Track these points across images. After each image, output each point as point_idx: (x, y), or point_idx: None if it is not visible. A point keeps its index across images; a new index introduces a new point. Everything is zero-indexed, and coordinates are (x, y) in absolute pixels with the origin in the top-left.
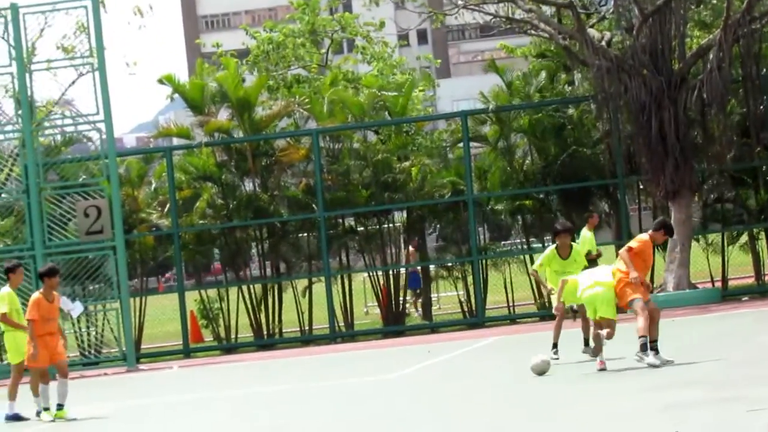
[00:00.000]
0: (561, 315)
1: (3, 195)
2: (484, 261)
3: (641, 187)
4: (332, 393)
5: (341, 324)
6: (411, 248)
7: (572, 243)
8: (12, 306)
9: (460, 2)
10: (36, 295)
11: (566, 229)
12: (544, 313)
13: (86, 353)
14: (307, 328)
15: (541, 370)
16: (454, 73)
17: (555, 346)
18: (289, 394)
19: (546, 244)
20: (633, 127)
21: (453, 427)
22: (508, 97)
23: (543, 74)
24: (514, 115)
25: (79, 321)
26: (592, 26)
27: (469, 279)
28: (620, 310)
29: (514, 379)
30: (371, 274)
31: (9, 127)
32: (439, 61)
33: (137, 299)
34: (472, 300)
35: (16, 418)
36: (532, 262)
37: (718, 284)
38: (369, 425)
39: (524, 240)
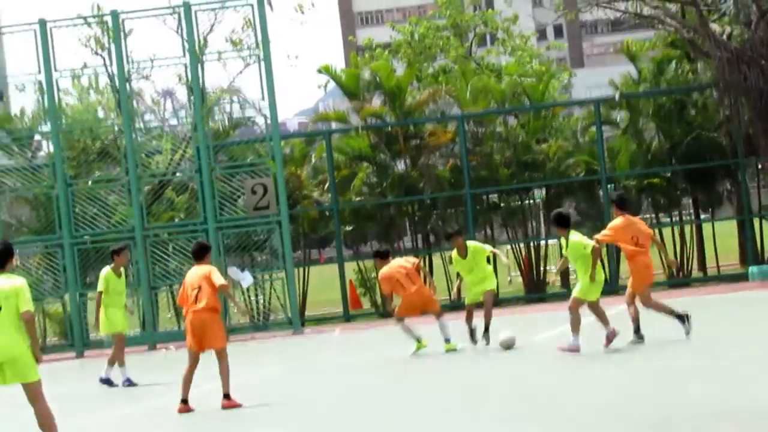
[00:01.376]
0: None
1: (178, 174)
2: None
3: (760, 167)
4: (491, 352)
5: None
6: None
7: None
8: (109, 285)
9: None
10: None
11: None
12: (672, 281)
13: (255, 319)
14: (455, 296)
15: (508, 345)
16: (587, 63)
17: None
18: (446, 354)
19: (673, 220)
20: (752, 113)
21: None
22: (636, 86)
23: (669, 64)
24: (642, 102)
25: (248, 290)
26: (713, 21)
27: (604, 250)
28: None
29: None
30: (514, 246)
31: (183, 113)
32: (565, 45)
33: (301, 269)
34: (607, 270)
35: (128, 382)
36: (661, 235)
37: None
38: (538, 378)
39: (653, 214)
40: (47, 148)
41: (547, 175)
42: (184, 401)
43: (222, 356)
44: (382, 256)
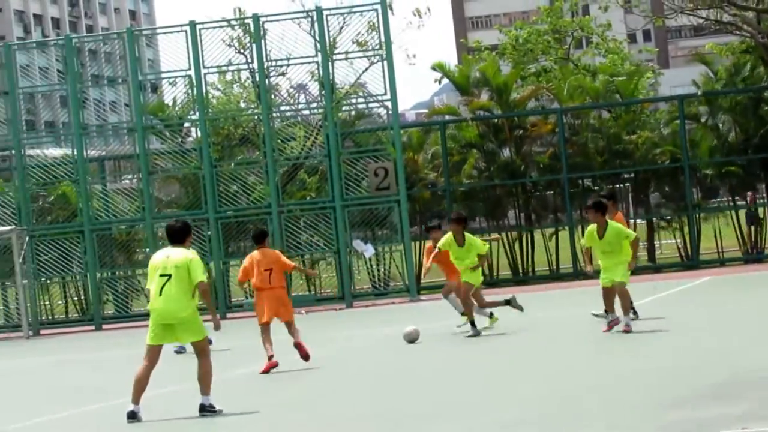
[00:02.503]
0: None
1: (309, 158)
2: (697, 215)
3: None
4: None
5: (582, 264)
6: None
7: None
8: None
9: (677, 7)
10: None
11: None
12: (749, 257)
13: (376, 286)
14: (554, 267)
15: (412, 339)
16: (672, 65)
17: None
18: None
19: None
20: None
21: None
22: (714, 84)
23: (745, 66)
24: (720, 98)
25: (370, 260)
26: None
27: (686, 229)
28: None
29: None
30: None
31: (314, 105)
32: (656, 49)
33: (417, 242)
34: (689, 246)
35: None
36: (738, 218)
37: None
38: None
39: (730, 198)
40: (195, 134)
41: (636, 162)
42: (270, 357)
43: (291, 325)
44: (437, 228)
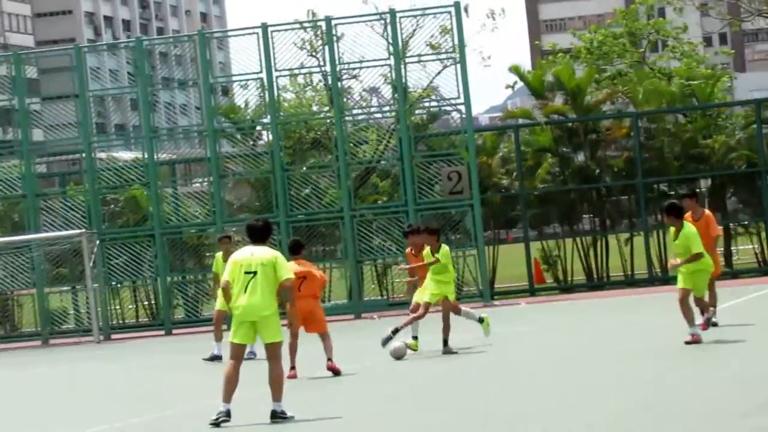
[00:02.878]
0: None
1: (382, 162)
2: None
3: None
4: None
5: (657, 270)
6: None
7: None
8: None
9: (754, 10)
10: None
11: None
12: None
13: None
14: (629, 272)
15: (398, 355)
16: (749, 68)
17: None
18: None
19: None
20: None
21: None
22: None
23: None
24: None
25: None
26: None
27: (763, 235)
28: None
29: None
30: None
31: (387, 108)
32: (733, 51)
33: (490, 247)
34: (766, 252)
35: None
36: None
37: None
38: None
39: None
40: (267, 137)
41: (712, 167)
42: (292, 368)
43: (325, 337)
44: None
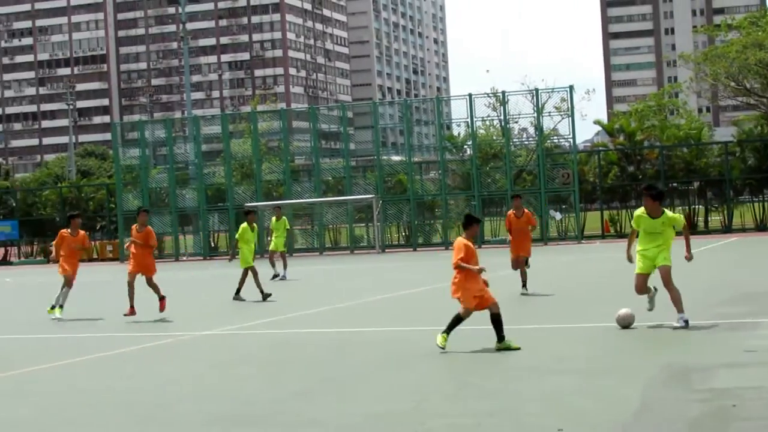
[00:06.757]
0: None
1: (528, 167)
2: None
3: None
4: None
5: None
6: None
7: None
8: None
9: (728, 94)
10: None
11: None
12: None
13: (561, 235)
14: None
15: (627, 323)
16: (722, 125)
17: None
18: None
19: None
20: None
21: None
22: None
23: None
24: None
25: (560, 221)
26: None
27: (725, 213)
28: None
29: None
30: None
31: (531, 138)
32: (711, 115)
33: (582, 213)
34: (726, 220)
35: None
36: None
37: None
38: None
39: None
40: (468, 151)
41: (699, 175)
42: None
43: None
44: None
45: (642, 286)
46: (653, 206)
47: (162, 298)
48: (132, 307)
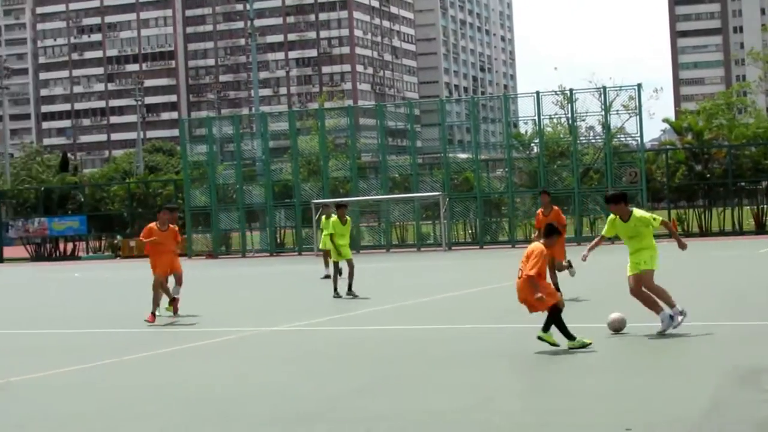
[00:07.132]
0: None
1: (595, 165)
2: None
3: None
4: None
5: (737, 227)
6: None
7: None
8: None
9: None
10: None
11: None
12: None
13: None
14: (722, 227)
15: (617, 327)
16: None
17: None
18: None
19: None
20: None
21: None
22: None
23: None
24: None
25: None
26: None
27: None
28: None
29: None
30: None
31: (599, 137)
32: None
33: (650, 211)
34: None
35: None
36: None
37: None
38: None
39: None
40: (536, 149)
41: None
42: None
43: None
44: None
45: (635, 286)
46: (617, 209)
47: (174, 300)
48: (153, 314)
